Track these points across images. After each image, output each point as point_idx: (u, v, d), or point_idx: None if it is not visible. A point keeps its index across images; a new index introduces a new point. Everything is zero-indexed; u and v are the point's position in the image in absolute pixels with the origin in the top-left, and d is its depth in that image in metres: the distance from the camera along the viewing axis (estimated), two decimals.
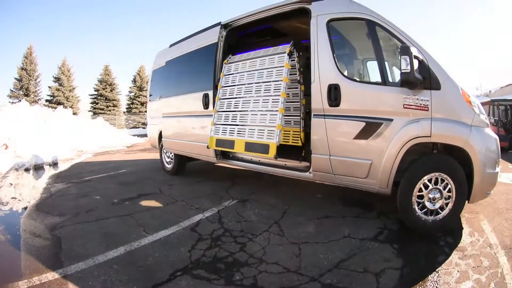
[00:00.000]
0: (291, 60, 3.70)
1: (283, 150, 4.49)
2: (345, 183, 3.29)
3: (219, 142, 4.06)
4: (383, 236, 2.81)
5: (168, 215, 3.47)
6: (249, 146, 3.65)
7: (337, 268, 2.26)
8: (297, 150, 4.33)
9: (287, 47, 3.64)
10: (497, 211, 3.46)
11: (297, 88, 4.36)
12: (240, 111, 3.95)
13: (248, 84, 3.94)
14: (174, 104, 5.37)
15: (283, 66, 3.59)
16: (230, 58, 4.39)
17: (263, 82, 3.76)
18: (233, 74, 4.19)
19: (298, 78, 4.15)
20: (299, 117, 4.42)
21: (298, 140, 4.40)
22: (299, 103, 4.40)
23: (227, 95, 4.20)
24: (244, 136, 3.75)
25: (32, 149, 7.55)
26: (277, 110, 3.50)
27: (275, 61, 3.73)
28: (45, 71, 43.38)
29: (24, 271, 2.26)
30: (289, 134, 4.61)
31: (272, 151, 3.39)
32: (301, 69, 3.93)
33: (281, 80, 3.55)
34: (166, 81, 5.87)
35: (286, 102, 4.54)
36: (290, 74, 4.07)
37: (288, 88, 4.35)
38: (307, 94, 3.93)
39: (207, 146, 4.18)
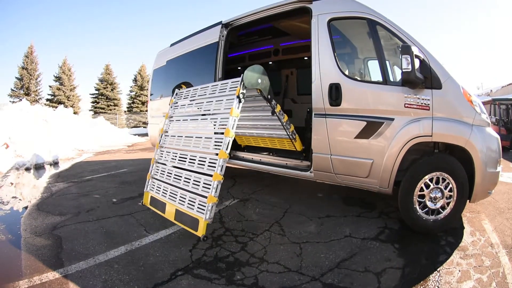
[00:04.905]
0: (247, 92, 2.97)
1: (284, 149, 4.48)
2: (346, 182, 3.29)
3: (153, 201, 3.46)
4: (384, 235, 2.81)
5: None
6: (179, 216, 2.96)
7: (338, 268, 2.26)
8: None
9: (237, 87, 2.90)
10: (499, 211, 3.45)
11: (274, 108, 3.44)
12: (175, 167, 3.33)
13: (190, 134, 3.38)
14: None
15: (228, 114, 2.87)
16: (177, 94, 3.90)
17: (203, 134, 3.17)
18: (177, 117, 3.75)
19: (271, 109, 3.38)
20: (286, 132, 3.75)
21: (292, 148, 3.96)
22: (279, 120, 3.58)
23: (167, 144, 3.66)
24: (175, 201, 3.08)
25: (32, 149, 7.56)
26: (211, 175, 2.77)
27: (222, 106, 3.03)
28: (46, 70, 43.72)
29: (24, 270, 2.26)
30: (283, 141, 4.15)
31: (201, 229, 2.65)
32: (269, 96, 3.17)
33: (222, 134, 2.84)
34: (167, 80, 5.87)
35: (271, 119, 3.67)
36: (258, 101, 3.42)
37: (267, 106, 3.56)
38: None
39: (142, 202, 3.64)
